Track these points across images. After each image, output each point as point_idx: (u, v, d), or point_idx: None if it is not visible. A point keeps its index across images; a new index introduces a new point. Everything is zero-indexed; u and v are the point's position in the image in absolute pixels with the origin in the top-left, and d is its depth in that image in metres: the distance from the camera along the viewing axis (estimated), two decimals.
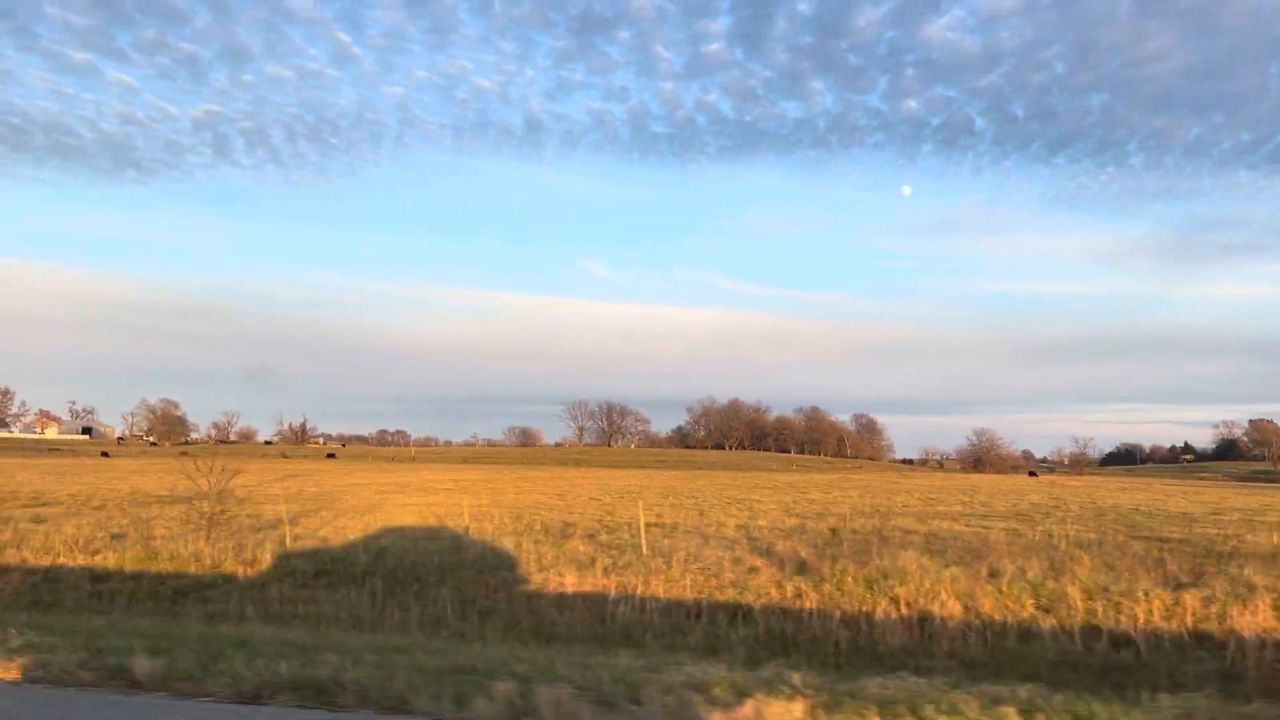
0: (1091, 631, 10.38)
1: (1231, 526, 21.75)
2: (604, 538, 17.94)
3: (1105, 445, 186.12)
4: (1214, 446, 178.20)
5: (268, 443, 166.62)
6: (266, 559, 14.73)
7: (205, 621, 11.21)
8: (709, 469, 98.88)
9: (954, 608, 11.04)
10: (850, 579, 12.35)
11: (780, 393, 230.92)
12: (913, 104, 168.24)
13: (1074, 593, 11.37)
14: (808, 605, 11.48)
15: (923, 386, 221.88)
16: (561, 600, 12.21)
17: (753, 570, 13.43)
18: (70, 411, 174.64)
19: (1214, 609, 10.66)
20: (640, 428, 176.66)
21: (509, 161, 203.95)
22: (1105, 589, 11.61)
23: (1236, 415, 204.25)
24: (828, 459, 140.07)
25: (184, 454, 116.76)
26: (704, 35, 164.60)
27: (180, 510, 19.82)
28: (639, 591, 12.16)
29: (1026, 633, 10.48)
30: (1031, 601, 11.28)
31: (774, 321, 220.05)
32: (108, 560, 14.89)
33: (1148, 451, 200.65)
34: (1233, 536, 18.39)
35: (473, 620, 11.61)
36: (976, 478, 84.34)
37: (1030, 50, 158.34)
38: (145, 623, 10.85)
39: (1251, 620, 10.13)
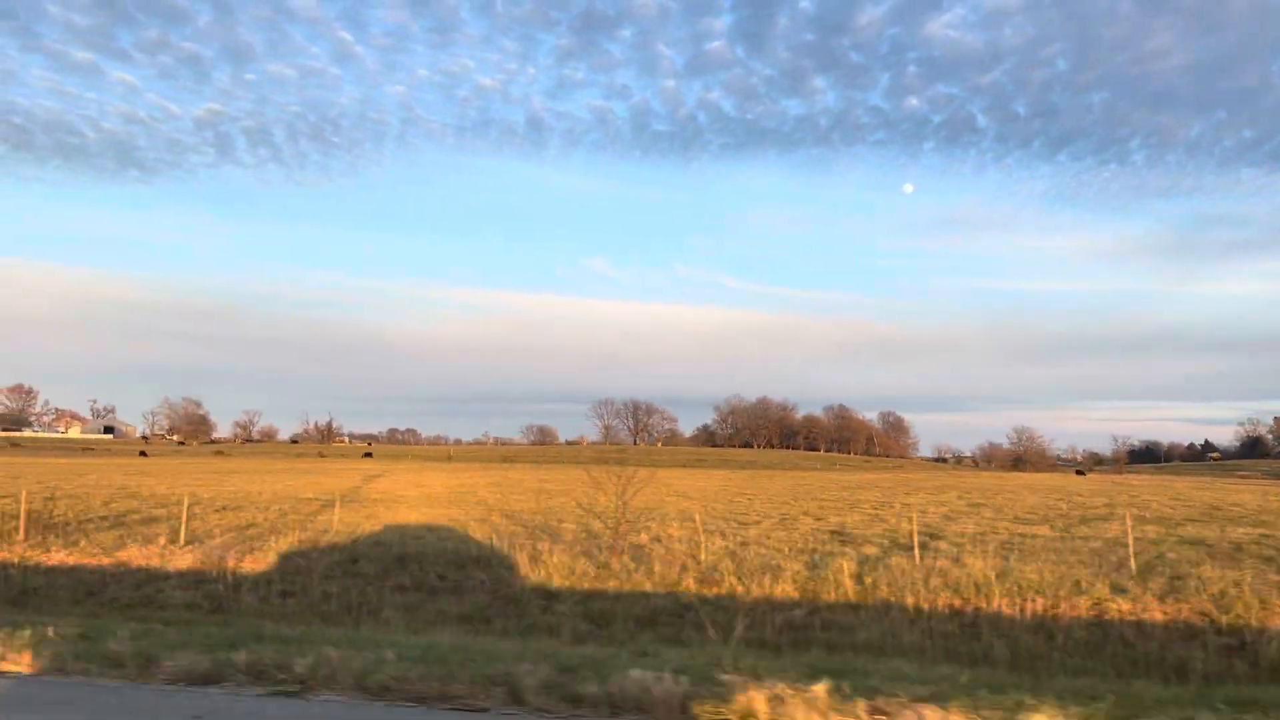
0: None
1: None
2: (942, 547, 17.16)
3: (1121, 441, 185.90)
4: (1238, 444, 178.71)
5: (293, 441, 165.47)
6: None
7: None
8: (751, 468, 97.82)
9: None
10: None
11: (781, 391, 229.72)
12: (914, 102, 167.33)
13: None
14: None
15: (924, 384, 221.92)
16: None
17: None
18: (91, 411, 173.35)
19: None
20: (667, 426, 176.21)
21: (511, 160, 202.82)
22: None
23: (1239, 412, 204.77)
24: (866, 458, 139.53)
25: (219, 453, 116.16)
26: (706, 33, 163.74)
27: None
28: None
29: None
30: None
31: (776, 320, 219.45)
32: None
33: (1166, 449, 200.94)
34: None
35: None
36: (1032, 477, 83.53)
37: (1032, 48, 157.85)
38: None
39: None
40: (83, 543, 16.38)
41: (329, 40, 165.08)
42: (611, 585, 13.38)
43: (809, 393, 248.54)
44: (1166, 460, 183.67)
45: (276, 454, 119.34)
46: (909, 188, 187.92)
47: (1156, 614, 11.69)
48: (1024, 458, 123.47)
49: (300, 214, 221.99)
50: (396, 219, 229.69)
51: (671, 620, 11.96)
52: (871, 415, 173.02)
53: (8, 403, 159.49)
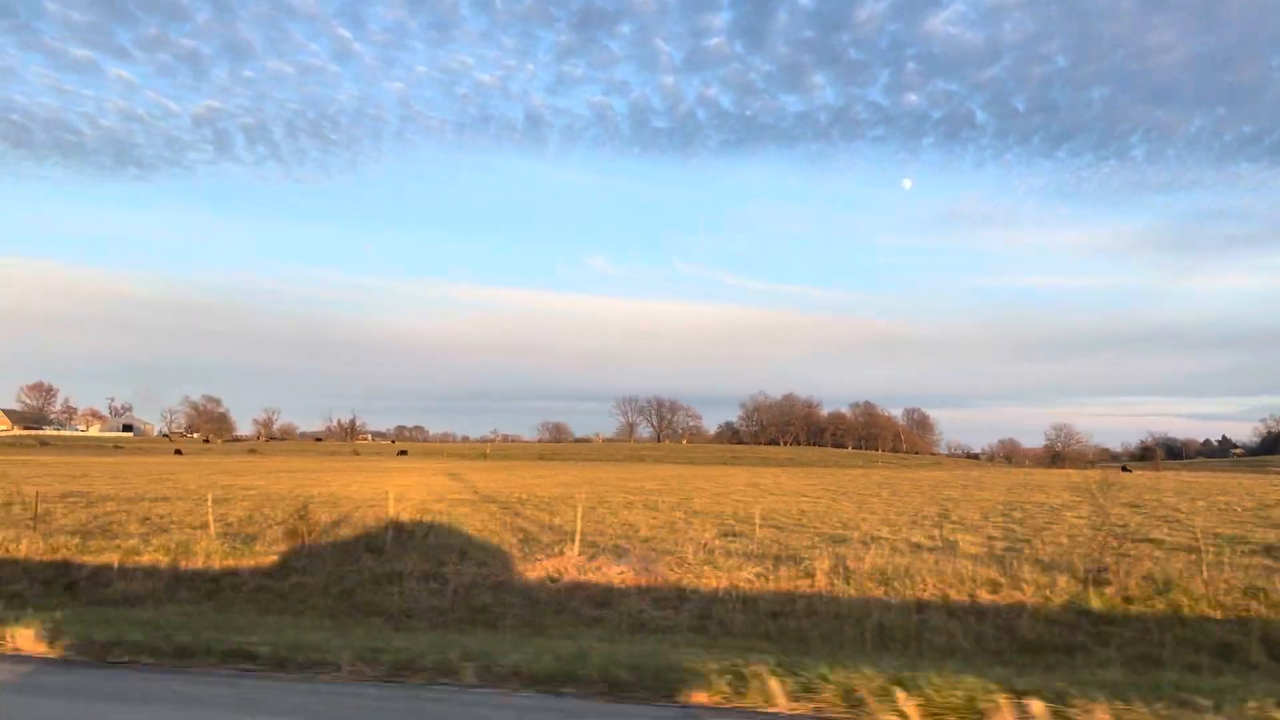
0: None
1: None
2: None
3: (1125, 439, 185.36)
4: (1259, 440, 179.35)
5: (318, 439, 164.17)
6: None
7: None
8: (790, 465, 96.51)
9: None
10: None
11: (781, 388, 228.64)
12: (914, 98, 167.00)
13: None
14: None
15: (924, 381, 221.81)
16: None
17: None
18: (110, 409, 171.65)
19: None
20: (691, 423, 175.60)
21: (510, 157, 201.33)
22: None
23: (1240, 408, 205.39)
24: (901, 455, 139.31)
25: (252, 451, 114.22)
26: (705, 29, 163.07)
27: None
28: None
29: None
30: None
31: (776, 316, 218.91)
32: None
33: (1180, 444, 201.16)
34: None
35: None
36: (1086, 474, 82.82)
37: (1032, 43, 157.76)
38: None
39: None
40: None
41: (328, 37, 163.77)
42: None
43: (807, 390, 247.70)
44: (1189, 457, 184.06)
45: (309, 452, 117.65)
46: (908, 184, 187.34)
47: None
48: (1062, 454, 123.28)
49: (299, 211, 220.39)
50: (395, 216, 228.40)
51: None
52: (895, 412, 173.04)
53: (28, 400, 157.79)
